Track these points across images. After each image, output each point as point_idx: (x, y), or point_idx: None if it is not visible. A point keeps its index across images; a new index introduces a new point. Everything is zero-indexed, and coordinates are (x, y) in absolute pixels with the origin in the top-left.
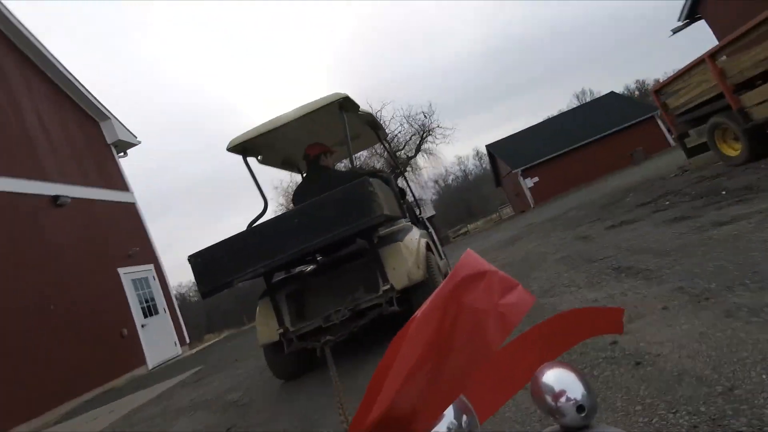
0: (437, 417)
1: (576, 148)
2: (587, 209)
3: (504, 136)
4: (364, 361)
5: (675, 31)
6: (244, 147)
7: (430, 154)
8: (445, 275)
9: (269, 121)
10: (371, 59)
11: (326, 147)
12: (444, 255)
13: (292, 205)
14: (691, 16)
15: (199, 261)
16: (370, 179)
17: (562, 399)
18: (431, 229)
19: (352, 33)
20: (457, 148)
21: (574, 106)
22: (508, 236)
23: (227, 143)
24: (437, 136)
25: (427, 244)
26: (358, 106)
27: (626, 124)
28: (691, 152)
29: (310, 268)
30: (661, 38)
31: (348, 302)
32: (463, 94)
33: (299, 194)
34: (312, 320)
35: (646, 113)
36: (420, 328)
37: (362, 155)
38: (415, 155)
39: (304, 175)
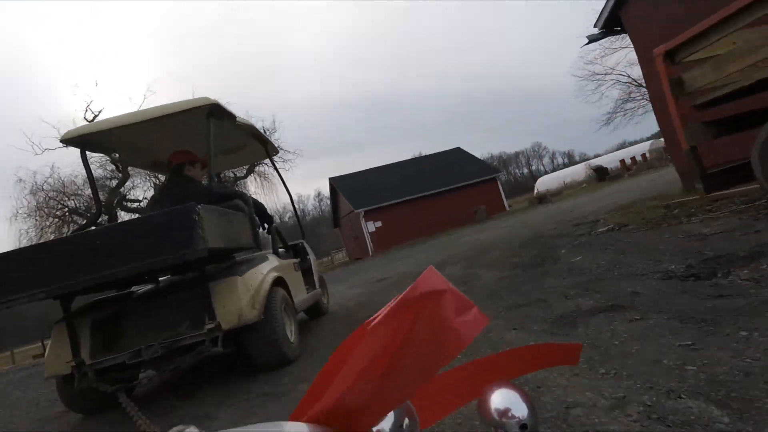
0: (382, 416)
1: (422, 197)
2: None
3: (350, 172)
4: (177, 406)
5: (591, 39)
6: (84, 140)
7: (264, 178)
8: (315, 306)
9: (121, 116)
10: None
11: (191, 156)
12: (320, 285)
13: None
14: (609, 26)
15: None
16: (204, 207)
17: (507, 417)
18: (309, 257)
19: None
20: (299, 186)
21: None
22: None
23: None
24: (275, 160)
25: (279, 280)
26: (232, 115)
27: (471, 181)
28: (713, 181)
29: (136, 290)
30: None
31: (165, 337)
32: (318, 134)
33: (151, 204)
34: (118, 354)
35: (490, 174)
36: (374, 332)
37: None
38: (246, 176)
39: (164, 182)
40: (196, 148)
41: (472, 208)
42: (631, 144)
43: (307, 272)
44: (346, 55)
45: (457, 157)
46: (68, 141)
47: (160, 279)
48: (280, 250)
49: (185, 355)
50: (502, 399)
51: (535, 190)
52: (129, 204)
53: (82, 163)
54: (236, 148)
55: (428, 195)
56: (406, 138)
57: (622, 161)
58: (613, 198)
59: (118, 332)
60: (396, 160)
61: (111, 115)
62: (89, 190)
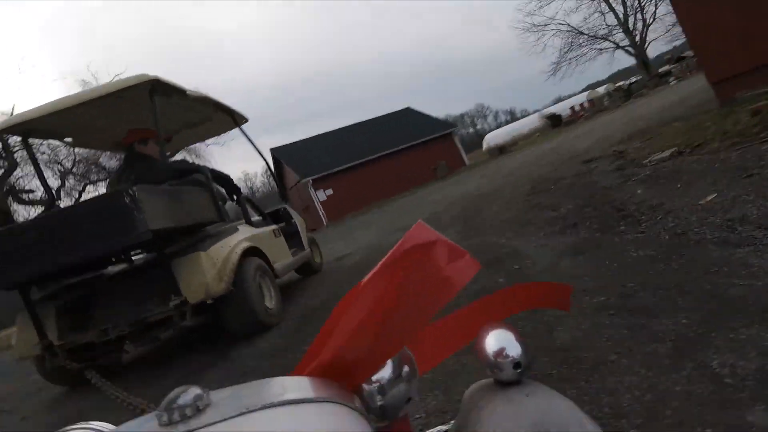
0: (380, 365)
1: (374, 160)
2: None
3: (293, 141)
4: (161, 375)
5: None
6: (27, 128)
7: (197, 156)
8: (306, 266)
9: (57, 100)
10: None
11: (143, 133)
12: (310, 245)
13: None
14: None
15: None
16: (143, 187)
17: (502, 356)
18: (294, 221)
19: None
20: (245, 165)
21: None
22: None
23: None
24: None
25: (252, 249)
26: (180, 89)
27: (426, 138)
28: None
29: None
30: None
31: (131, 315)
32: (260, 112)
33: (109, 187)
34: (85, 333)
35: (445, 129)
36: (368, 287)
37: None
38: (173, 155)
39: (121, 164)
40: (160, 122)
41: (431, 166)
42: (568, 97)
43: (293, 235)
44: (288, 33)
45: (408, 116)
46: (8, 130)
47: (133, 258)
48: (255, 218)
49: (156, 330)
50: (496, 340)
51: (485, 146)
52: (24, 195)
53: (26, 152)
54: (200, 121)
55: (381, 156)
56: (351, 109)
57: (572, 107)
58: (593, 136)
59: (87, 313)
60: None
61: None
62: None
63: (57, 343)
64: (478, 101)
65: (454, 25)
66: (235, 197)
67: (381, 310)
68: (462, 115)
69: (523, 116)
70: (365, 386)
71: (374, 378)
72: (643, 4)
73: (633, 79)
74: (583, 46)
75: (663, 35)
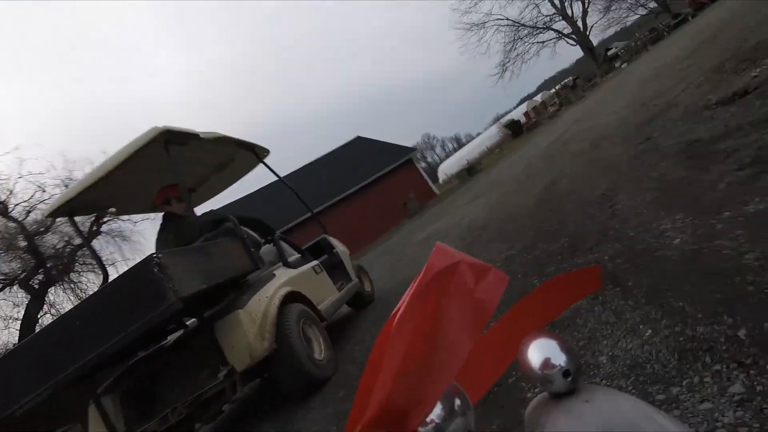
0: (431, 405)
1: (332, 206)
2: None
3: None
4: None
5: None
6: (70, 208)
7: (123, 239)
8: (356, 298)
9: (85, 177)
10: None
11: (169, 192)
12: (358, 274)
13: None
14: None
15: None
16: (165, 253)
17: (548, 367)
18: (336, 250)
19: None
20: None
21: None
22: None
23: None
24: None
25: (292, 294)
26: (193, 134)
27: (386, 169)
28: None
29: (144, 353)
30: None
31: (186, 393)
32: None
33: (157, 244)
34: (149, 421)
35: (404, 155)
36: (402, 325)
37: None
38: (90, 240)
39: (162, 221)
40: (186, 173)
41: (401, 201)
42: (506, 114)
43: (337, 267)
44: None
45: (360, 147)
46: (53, 213)
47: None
48: (293, 257)
49: (214, 405)
50: (540, 350)
51: (441, 177)
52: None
53: (74, 230)
54: (225, 163)
55: (340, 201)
56: (296, 152)
57: (527, 113)
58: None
59: (149, 398)
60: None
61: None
62: None
63: None
64: (424, 132)
65: (388, 58)
66: (269, 238)
67: (420, 346)
68: (413, 150)
69: (467, 141)
70: (421, 429)
71: (428, 419)
72: None
73: (568, 82)
74: (526, 42)
75: (600, 19)
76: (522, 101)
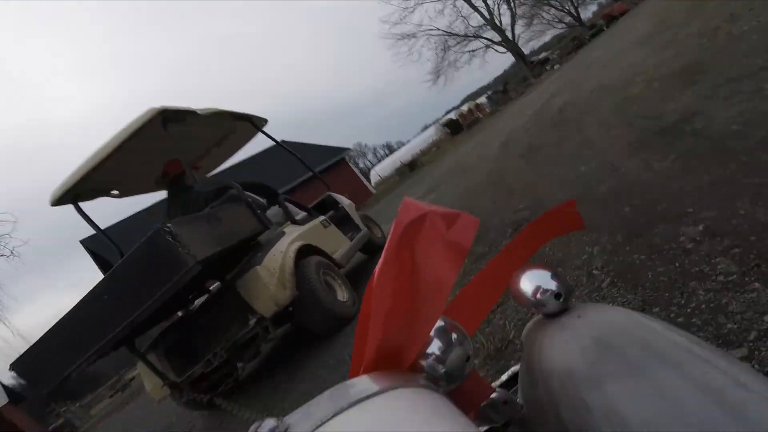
0: (425, 340)
1: None
2: None
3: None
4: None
5: None
6: (73, 194)
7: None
8: (369, 246)
9: (86, 161)
10: None
11: (179, 166)
12: (365, 226)
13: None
14: None
15: (24, 367)
16: (177, 221)
17: (540, 292)
18: (341, 205)
19: None
20: None
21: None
22: None
23: (49, 198)
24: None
25: (305, 248)
26: (190, 111)
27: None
28: None
29: (178, 315)
30: None
31: (223, 342)
32: None
33: (164, 217)
34: (194, 367)
35: (335, 156)
36: (382, 276)
37: None
38: None
39: (167, 195)
40: (188, 149)
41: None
42: (429, 126)
43: (344, 220)
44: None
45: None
46: (59, 200)
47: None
48: (300, 215)
49: (251, 346)
50: (529, 280)
51: (374, 178)
52: None
53: (81, 217)
54: (225, 135)
55: None
56: None
57: (462, 112)
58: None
59: (189, 350)
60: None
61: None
62: None
63: (179, 381)
64: (356, 141)
65: (319, 72)
66: (274, 200)
67: (403, 291)
68: (345, 149)
69: (399, 147)
70: (422, 362)
71: (429, 352)
72: None
73: (486, 95)
74: (456, 51)
75: (525, 31)
76: (447, 112)
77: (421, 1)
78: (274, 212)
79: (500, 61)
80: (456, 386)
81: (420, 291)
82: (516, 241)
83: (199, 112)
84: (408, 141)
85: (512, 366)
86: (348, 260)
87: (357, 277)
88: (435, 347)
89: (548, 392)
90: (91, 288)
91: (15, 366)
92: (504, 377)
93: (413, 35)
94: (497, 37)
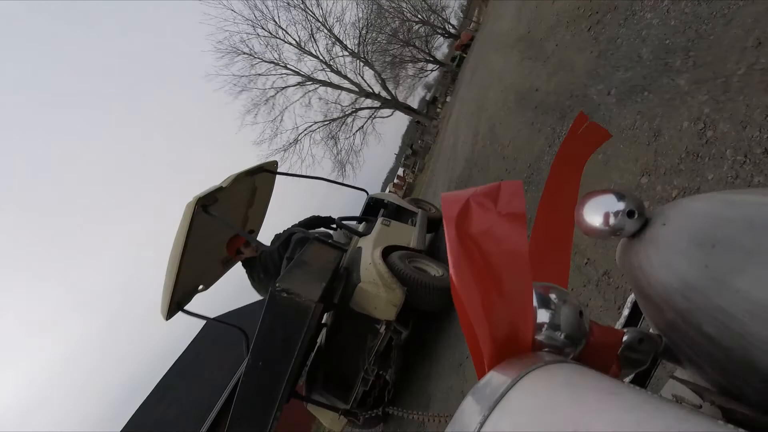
0: (529, 316)
1: None
2: None
3: None
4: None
5: None
6: (176, 304)
7: None
8: (433, 220)
9: (167, 276)
10: None
11: (239, 240)
12: (419, 207)
13: None
14: None
15: None
16: (282, 278)
17: (611, 219)
18: (386, 200)
19: None
20: None
21: None
22: None
23: (161, 316)
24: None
25: (385, 250)
26: (217, 189)
27: None
28: None
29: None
30: None
31: (367, 357)
32: None
33: (254, 287)
34: (355, 389)
35: None
36: (460, 276)
37: None
38: None
39: (244, 269)
40: (232, 221)
41: None
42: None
43: (398, 212)
44: None
45: None
46: (169, 315)
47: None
48: (360, 227)
49: (391, 352)
50: (595, 211)
51: None
52: None
53: (194, 316)
54: (252, 194)
55: None
56: None
57: (395, 184)
58: None
59: (341, 377)
60: None
61: None
62: None
63: (348, 407)
64: None
65: None
66: (333, 227)
67: (486, 279)
68: None
69: None
70: (537, 337)
71: (539, 324)
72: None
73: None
74: (347, 137)
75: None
76: (375, 202)
77: (285, 108)
78: (338, 235)
79: (394, 124)
80: (583, 347)
81: (501, 271)
82: (554, 177)
83: (223, 185)
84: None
85: (626, 296)
86: (423, 243)
87: (439, 254)
88: (543, 316)
89: (679, 313)
90: (243, 368)
91: None
92: (625, 312)
93: (296, 141)
94: (376, 103)
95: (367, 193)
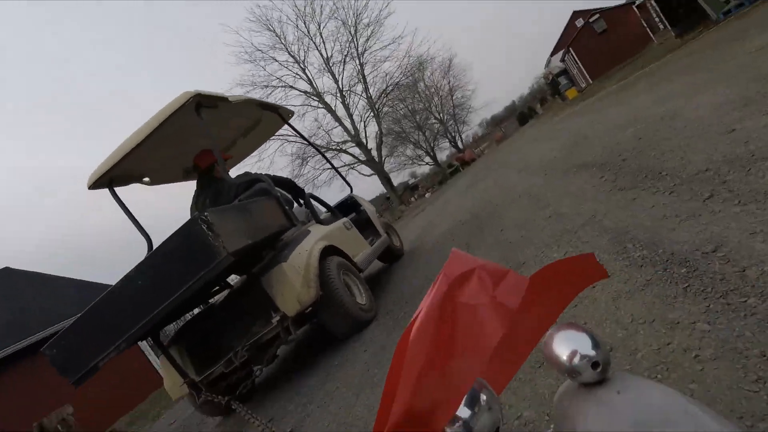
0: (456, 404)
1: None
2: None
3: None
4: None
5: None
6: (108, 179)
7: None
8: (387, 253)
9: (122, 144)
10: None
11: (210, 157)
12: (387, 231)
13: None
14: None
15: (56, 351)
16: (212, 211)
17: (576, 358)
18: (363, 208)
19: None
20: None
21: None
22: None
23: (87, 181)
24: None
25: (328, 249)
26: (222, 97)
27: None
28: None
29: (201, 309)
30: None
31: (245, 341)
32: None
33: (192, 207)
34: (214, 367)
35: None
36: (421, 330)
37: None
38: None
39: (197, 187)
40: (217, 139)
41: None
42: None
43: (366, 224)
44: None
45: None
46: (95, 185)
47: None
48: (324, 215)
49: (272, 347)
50: (565, 343)
51: None
52: None
53: (116, 202)
54: (252, 126)
55: None
56: None
57: None
58: None
59: (211, 346)
60: None
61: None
62: None
63: (197, 380)
64: None
65: None
66: (300, 199)
67: (441, 348)
68: None
69: None
70: (448, 429)
71: (456, 416)
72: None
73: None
74: (316, 168)
75: (388, 157)
76: None
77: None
78: (299, 211)
79: (364, 187)
80: None
81: (459, 349)
82: (537, 283)
83: (230, 99)
84: None
85: None
86: (367, 265)
87: (371, 284)
88: (463, 412)
89: None
90: (124, 275)
91: (47, 350)
92: None
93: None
94: (363, 156)
95: (351, 191)
